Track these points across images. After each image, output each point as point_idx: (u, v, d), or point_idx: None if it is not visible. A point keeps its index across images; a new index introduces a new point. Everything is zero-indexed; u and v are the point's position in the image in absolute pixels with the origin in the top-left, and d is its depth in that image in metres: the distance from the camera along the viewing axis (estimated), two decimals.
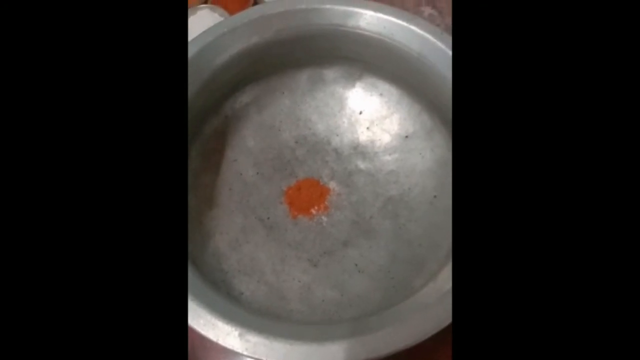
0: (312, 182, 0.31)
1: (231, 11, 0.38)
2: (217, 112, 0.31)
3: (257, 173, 0.31)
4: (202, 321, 0.18)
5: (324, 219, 0.30)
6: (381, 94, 0.31)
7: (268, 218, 0.30)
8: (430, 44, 0.26)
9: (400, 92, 0.30)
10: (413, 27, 0.26)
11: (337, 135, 0.32)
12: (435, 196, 0.28)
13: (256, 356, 0.17)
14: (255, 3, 0.38)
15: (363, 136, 0.31)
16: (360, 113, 0.32)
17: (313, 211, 0.30)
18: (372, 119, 0.32)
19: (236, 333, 0.18)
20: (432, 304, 0.19)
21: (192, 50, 0.27)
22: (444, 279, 0.20)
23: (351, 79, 0.32)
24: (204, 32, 0.28)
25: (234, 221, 0.29)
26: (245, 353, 0.17)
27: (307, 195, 0.31)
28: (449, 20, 0.39)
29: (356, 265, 0.28)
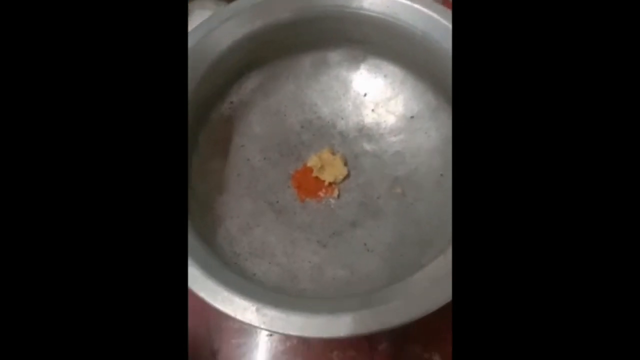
0: None
1: None
2: (223, 99, 0.31)
3: (265, 158, 0.31)
4: (219, 297, 0.19)
5: (332, 201, 0.30)
6: (385, 76, 0.31)
7: (277, 202, 0.30)
8: (435, 22, 0.26)
9: (405, 73, 0.30)
10: (417, 6, 0.26)
11: (342, 118, 0.32)
12: (441, 175, 0.28)
13: (273, 329, 0.18)
14: None
15: (368, 118, 0.32)
16: (365, 95, 0.32)
17: (321, 194, 0.31)
18: (376, 101, 0.32)
19: (253, 308, 0.18)
20: (441, 277, 0.19)
21: (196, 37, 0.27)
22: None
23: (355, 62, 0.32)
24: (208, 18, 0.28)
25: (243, 206, 0.30)
26: (262, 327, 0.18)
27: (314, 179, 0.31)
28: None
29: (365, 245, 0.28)
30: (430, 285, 0.18)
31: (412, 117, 0.31)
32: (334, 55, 0.32)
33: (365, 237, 0.28)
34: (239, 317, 0.18)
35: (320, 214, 0.30)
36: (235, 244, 0.27)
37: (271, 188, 0.31)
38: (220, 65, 0.28)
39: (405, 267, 0.26)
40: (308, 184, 0.31)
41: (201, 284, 0.19)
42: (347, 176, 0.31)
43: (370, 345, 0.26)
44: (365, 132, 0.31)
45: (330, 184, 0.31)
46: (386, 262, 0.27)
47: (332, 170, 0.31)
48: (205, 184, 0.29)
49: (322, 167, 0.31)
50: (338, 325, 0.17)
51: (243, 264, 0.26)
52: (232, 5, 0.29)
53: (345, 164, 0.31)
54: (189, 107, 0.27)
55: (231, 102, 0.31)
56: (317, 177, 0.31)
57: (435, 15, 0.26)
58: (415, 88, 0.31)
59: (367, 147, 0.31)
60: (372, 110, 0.32)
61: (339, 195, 0.30)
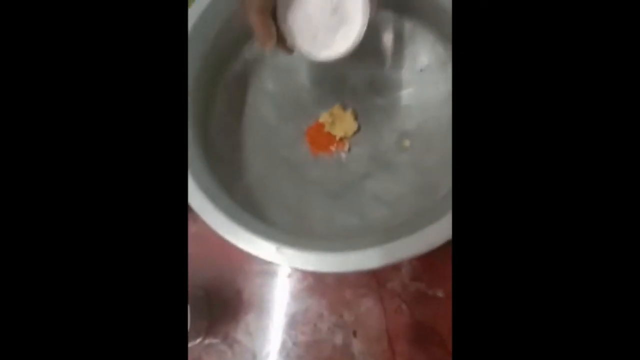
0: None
1: None
2: (237, 56, 0.32)
3: (278, 115, 0.33)
4: (242, 239, 0.21)
5: (343, 155, 0.32)
6: (394, 29, 0.31)
7: (291, 157, 0.32)
8: None
9: (413, 25, 0.30)
10: None
11: (353, 73, 0.32)
12: (449, 127, 0.29)
13: (292, 265, 0.20)
14: None
15: (378, 73, 0.32)
16: (375, 49, 0.32)
17: (332, 148, 0.32)
18: (386, 55, 0.32)
19: (273, 248, 0.20)
20: (444, 218, 0.21)
21: None
22: None
23: None
24: None
25: (259, 161, 0.31)
26: (282, 263, 0.20)
27: (326, 134, 0.32)
28: None
29: (375, 195, 0.30)
30: (434, 225, 0.20)
31: (421, 70, 0.31)
32: None
33: (375, 188, 0.30)
34: (262, 255, 0.21)
35: (332, 167, 0.32)
36: (252, 194, 0.29)
37: (285, 144, 0.32)
38: (233, 23, 0.29)
39: (413, 213, 0.28)
40: (320, 139, 0.33)
41: (227, 228, 0.22)
42: (358, 130, 0.32)
43: (378, 283, 0.28)
44: (375, 87, 0.32)
45: (341, 138, 0.32)
46: (395, 210, 0.28)
47: (343, 125, 0.32)
48: (224, 140, 0.31)
49: (333, 123, 0.32)
50: (349, 261, 0.20)
51: (260, 212, 0.28)
52: None
53: (356, 118, 0.32)
54: (207, 67, 0.28)
55: (245, 60, 0.32)
56: (329, 132, 0.32)
57: None
58: (424, 40, 0.31)
59: (377, 101, 0.32)
60: (382, 64, 0.32)
61: (349, 149, 0.32)
